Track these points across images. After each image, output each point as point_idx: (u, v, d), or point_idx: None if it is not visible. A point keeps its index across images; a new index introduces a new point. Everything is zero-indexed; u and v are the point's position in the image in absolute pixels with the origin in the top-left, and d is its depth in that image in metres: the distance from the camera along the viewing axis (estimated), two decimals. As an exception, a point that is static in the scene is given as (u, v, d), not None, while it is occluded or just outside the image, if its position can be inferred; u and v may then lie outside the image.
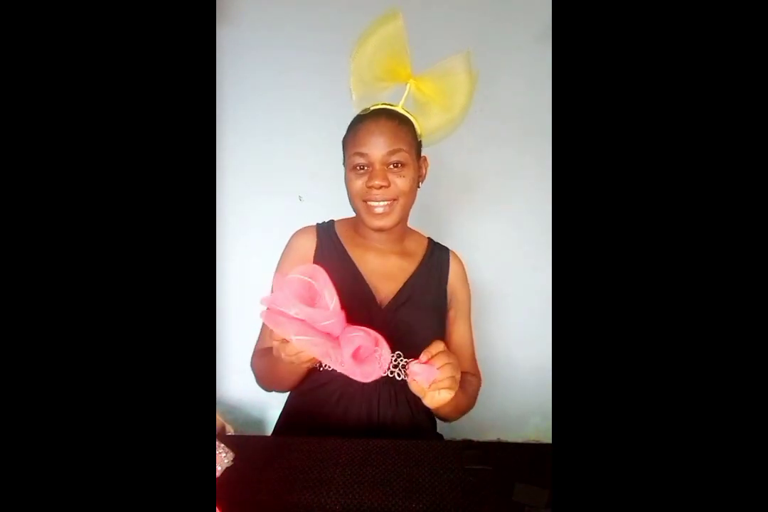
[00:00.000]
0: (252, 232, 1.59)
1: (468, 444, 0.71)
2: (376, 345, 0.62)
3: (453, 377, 0.63)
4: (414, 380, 0.63)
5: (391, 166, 0.81)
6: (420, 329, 0.86)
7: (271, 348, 0.81)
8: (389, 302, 0.87)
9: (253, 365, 0.88)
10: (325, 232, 0.94)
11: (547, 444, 0.69)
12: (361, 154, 0.81)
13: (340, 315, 0.59)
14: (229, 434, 0.71)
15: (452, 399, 0.65)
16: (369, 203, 0.83)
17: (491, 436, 1.50)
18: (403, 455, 0.68)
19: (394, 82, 0.83)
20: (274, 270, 0.91)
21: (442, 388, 0.63)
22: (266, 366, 0.84)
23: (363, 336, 0.59)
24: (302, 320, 0.58)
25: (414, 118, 0.85)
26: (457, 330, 0.96)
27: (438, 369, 0.62)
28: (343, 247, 0.92)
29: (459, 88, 0.82)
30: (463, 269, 0.99)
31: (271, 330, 0.60)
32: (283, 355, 0.62)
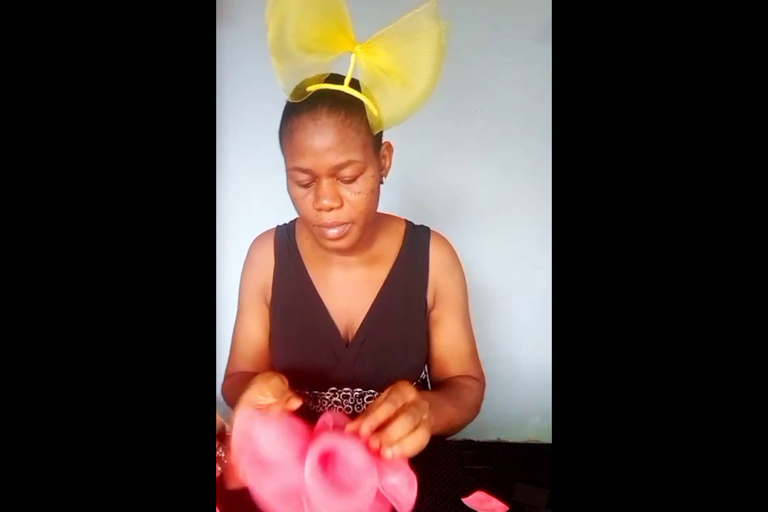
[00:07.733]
0: (252, 231, 1.59)
1: (468, 444, 0.71)
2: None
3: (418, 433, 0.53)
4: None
5: (343, 177, 0.64)
6: (394, 357, 0.78)
7: (244, 374, 0.78)
8: (354, 337, 0.78)
9: (224, 391, 0.80)
10: (284, 243, 0.83)
11: (547, 444, 0.69)
12: (302, 170, 0.64)
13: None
14: (229, 434, 0.71)
15: (441, 420, 0.62)
16: (320, 228, 0.68)
17: (491, 436, 1.50)
18: (403, 455, 0.68)
19: (333, 54, 0.61)
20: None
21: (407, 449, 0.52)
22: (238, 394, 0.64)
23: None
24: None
25: (368, 99, 0.63)
26: (444, 331, 0.81)
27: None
28: (303, 265, 0.81)
29: (422, 52, 0.59)
30: (448, 254, 0.83)
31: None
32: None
